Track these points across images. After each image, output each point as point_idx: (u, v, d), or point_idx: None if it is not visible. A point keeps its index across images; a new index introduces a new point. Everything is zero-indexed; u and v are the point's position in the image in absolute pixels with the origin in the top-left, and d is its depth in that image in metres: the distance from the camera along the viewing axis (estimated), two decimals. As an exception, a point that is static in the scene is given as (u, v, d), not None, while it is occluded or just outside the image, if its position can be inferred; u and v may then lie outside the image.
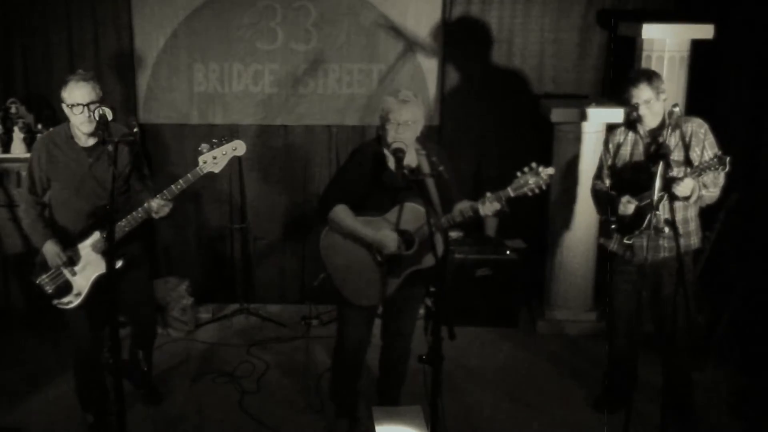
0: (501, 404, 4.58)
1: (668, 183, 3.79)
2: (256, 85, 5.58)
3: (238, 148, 3.91)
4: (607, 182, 4.21)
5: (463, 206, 3.71)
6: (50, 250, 3.92)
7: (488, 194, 3.64)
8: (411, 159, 3.79)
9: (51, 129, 4.17)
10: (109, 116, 3.80)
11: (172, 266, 5.78)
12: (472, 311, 5.43)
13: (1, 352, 5.08)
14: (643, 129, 4.04)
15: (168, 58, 5.51)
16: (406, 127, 3.73)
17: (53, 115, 5.49)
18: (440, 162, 3.88)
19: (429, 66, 5.57)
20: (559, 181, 5.29)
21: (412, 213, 3.73)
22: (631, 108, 3.95)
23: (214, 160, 3.87)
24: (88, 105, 3.82)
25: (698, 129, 4.00)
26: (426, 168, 3.82)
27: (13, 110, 5.31)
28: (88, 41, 5.47)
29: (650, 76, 3.96)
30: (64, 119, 4.00)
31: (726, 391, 4.64)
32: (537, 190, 3.62)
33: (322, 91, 5.60)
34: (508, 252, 5.48)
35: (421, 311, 5.28)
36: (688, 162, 3.96)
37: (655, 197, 3.75)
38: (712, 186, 3.96)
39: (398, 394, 4.21)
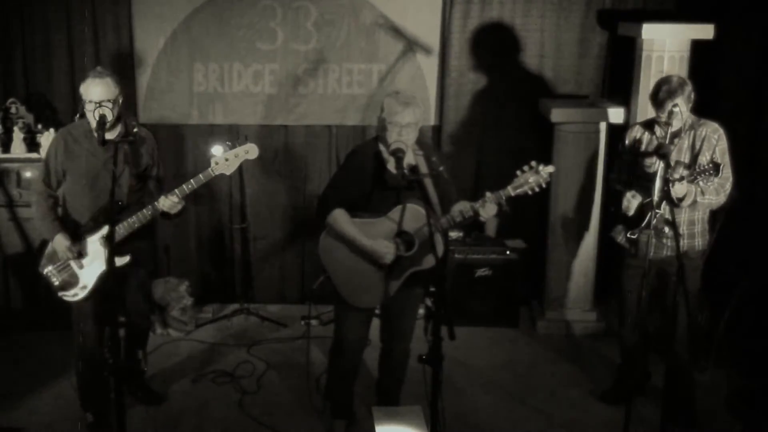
0: (501, 404, 4.58)
1: (666, 184, 3.79)
2: (256, 85, 5.58)
3: (250, 151, 4.00)
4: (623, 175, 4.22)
5: (463, 206, 3.71)
6: (60, 243, 3.95)
7: (488, 194, 3.64)
8: (409, 158, 3.78)
9: (70, 123, 4.23)
10: (109, 117, 3.82)
11: (172, 266, 5.78)
12: (472, 311, 5.43)
13: (1, 352, 5.08)
14: (661, 130, 4.01)
15: (168, 58, 5.51)
16: (409, 129, 3.73)
17: (53, 115, 5.50)
18: (440, 162, 3.88)
19: (429, 66, 5.57)
20: (559, 181, 5.29)
21: (412, 214, 3.73)
22: (663, 116, 3.91)
23: (226, 162, 3.94)
24: (100, 103, 3.82)
25: (712, 134, 3.98)
26: (423, 167, 3.82)
27: (13, 110, 5.30)
28: (88, 41, 5.47)
29: (683, 87, 3.88)
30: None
31: (726, 391, 4.65)
32: (537, 189, 3.62)
33: (322, 91, 5.60)
34: (508, 252, 5.48)
35: (421, 311, 5.28)
36: (691, 166, 3.93)
37: (656, 197, 3.76)
38: (712, 194, 3.93)
39: (398, 395, 4.20)
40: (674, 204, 3.83)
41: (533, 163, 3.61)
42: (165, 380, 4.76)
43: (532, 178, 3.60)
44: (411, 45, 5.52)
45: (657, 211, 3.83)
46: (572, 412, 4.48)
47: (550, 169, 3.62)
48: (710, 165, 3.75)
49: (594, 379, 4.81)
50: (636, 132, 4.20)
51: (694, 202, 3.90)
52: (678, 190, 3.79)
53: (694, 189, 3.85)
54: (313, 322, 5.45)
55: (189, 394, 4.65)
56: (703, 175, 3.76)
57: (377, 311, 4.14)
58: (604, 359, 5.05)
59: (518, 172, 3.62)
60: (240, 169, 5.52)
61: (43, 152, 5.14)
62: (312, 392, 4.54)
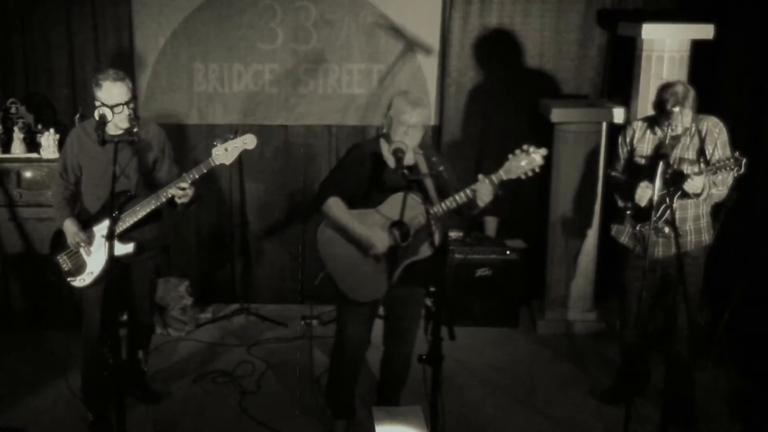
0: (501, 404, 4.58)
1: (679, 179, 3.82)
2: (256, 85, 5.59)
3: (248, 141, 4.07)
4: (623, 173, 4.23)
5: (458, 194, 3.69)
6: (69, 228, 4.07)
7: (480, 176, 3.62)
8: (408, 158, 3.78)
9: (85, 120, 4.36)
10: (109, 117, 3.87)
11: (172, 266, 5.78)
12: (472, 311, 5.43)
13: (1, 352, 5.08)
14: (661, 132, 4.03)
15: (168, 58, 5.52)
16: (416, 130, 3.73)
17: (53, 115, 5.50)
18: (441, 162, 3.88)
19: (429, 66, 5.57)
20: (559, 180, 5.29)
21: (407, 204, 3.73)
22: (669, 125, 3.94)
23: (225, 152, 4.02)
24: (126, 103, 3.97)
25: (713, 128, 4.03)
26: (423, 167, 3.82)
27: (13, 110, 5.30)
28: (88, 41, 5.47)
29: (688, 95, 3.88)
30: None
31: (726, 391, 4.65)
32: (530, 173, 3.59)
33: (322, 91, 5.60)
34: (508, 252, 5.48)
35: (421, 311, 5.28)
36: (701, 160, 3.98)
37: (656, 197, 3.76)
38: (721, 185, 4.00)
39: (399, 396, 4.20)
40: (693, 197, 3.88)
41: (525, 146, 3.58)
42: (165, 380, 4.76)
43: (524, 161, 3.56)
44: (411, 45, 5.53)
45: (671, 205, 3.85)
46: (572, 412, 4.48)
47: (543, 151, 3.57)
48: (731, 159, 3.79)
49: (594, 379, 4.82)
50: (637, 130, 4.18)
51: (710, 195, 3.96)
52: (696, 185, 3.84)
53: (708, 182, 3.90)
54: (314, 322, 5.46)
55: (189, 394, 4.66)
56: (724, 169, 3.82)
57: (381, 313, 4.14)
58: (604, 359, 5.05)
59: (510, 156, 3.59)
60: (240, 169, 5.58)
61: (44, 152, 5.17)
62: (312, 392, 4.54)
